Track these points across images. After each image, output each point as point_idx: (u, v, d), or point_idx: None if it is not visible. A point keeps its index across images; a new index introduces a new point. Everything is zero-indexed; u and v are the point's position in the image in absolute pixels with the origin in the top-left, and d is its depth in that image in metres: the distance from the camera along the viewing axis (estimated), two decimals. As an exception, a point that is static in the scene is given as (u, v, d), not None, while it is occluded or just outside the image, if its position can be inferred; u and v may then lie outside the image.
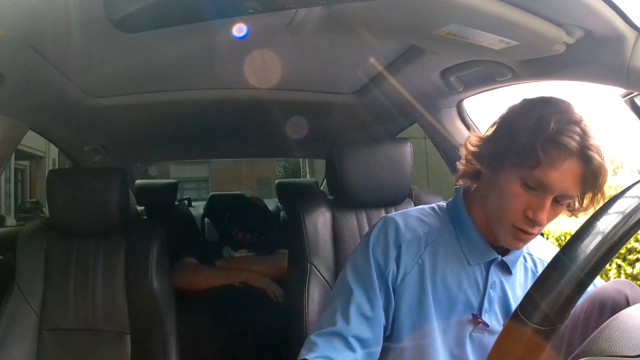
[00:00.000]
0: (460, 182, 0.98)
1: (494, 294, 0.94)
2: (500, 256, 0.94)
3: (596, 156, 0.81)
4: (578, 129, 0.80)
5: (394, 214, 0.99)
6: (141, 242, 1.44)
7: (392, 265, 0.91)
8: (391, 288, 0.91)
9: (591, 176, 0.81)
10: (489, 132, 0.91)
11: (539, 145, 0.80)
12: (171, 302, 1.43)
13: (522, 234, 0.86)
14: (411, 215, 0.98)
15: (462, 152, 0.95)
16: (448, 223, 0.97)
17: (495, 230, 0.90)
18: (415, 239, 0.93)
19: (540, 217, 0.83)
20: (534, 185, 0.82)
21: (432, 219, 0.98)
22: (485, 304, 0.93)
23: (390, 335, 0.92)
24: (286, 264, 1.43)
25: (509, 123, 0.88)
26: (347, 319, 0.88)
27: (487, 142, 0.90)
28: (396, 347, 0.91)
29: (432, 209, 1.01)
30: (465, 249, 0.94)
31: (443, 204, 1.02)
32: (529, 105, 0.88)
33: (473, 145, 0.92)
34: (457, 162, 0.97)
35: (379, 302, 0.90)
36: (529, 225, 0.85)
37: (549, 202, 0.83)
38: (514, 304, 0.95)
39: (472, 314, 0.92)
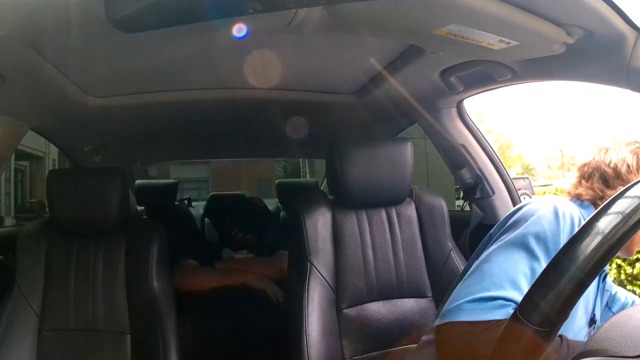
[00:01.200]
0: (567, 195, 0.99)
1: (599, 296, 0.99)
2: None
3: None
4: None
5: (559, 199, 0.93)
6: (141, 242, 1.44)
7: None
8: None
9: None
10: None
11: None
12: (171, 302, 1.43)
13: None
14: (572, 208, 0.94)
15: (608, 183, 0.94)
16: None
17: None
18: None
19: None
20: None
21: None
22: (597, 304, 0.97)
23: None
24: (286, 265, 1.43)
25: None
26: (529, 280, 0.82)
27: None
28: None
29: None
30: None
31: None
32: None
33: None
34: (586, 182, 0.97)
35: None
36: None
37: None
38: (600, 306, 1.01)
39: (593, 313, 0.96)
